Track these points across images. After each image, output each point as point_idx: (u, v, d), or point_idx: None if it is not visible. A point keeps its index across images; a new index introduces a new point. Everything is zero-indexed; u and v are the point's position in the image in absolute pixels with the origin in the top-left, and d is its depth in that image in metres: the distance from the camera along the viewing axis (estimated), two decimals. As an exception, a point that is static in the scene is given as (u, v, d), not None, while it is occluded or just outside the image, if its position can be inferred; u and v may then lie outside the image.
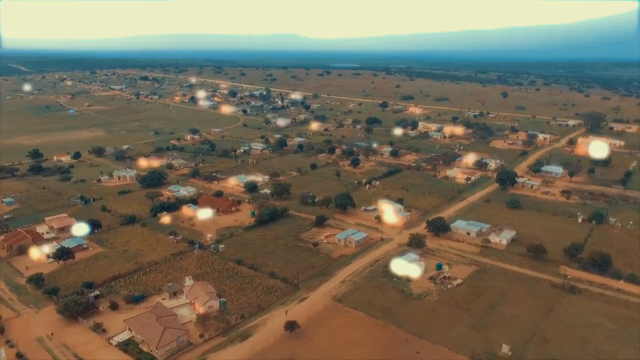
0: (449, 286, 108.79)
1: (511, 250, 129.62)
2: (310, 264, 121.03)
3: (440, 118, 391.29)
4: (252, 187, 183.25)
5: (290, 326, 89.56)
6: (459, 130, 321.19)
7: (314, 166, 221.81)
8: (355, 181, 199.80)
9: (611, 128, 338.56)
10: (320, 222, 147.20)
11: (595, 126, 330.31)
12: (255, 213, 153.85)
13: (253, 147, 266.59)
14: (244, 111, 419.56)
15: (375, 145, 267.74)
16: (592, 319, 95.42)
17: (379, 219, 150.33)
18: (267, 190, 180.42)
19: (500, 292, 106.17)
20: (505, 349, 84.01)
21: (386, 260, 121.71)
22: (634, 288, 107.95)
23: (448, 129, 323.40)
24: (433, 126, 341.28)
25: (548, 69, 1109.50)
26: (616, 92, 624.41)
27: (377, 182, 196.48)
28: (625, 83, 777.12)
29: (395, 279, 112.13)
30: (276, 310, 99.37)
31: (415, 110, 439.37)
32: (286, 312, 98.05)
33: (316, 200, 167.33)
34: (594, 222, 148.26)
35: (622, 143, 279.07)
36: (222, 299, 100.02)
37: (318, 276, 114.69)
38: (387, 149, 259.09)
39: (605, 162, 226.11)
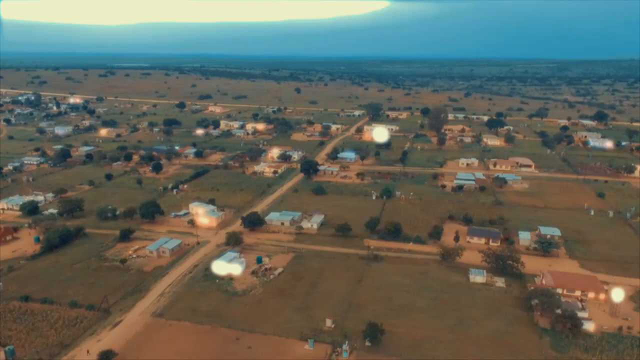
0: (272, 277, 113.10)
1: (322, 233, 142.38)
2: (120, 283, 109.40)
3: (241, 116, 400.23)
4: (31, 209, 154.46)
5: (105, 356, 79.49)
6: (261, 126, 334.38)
7: (109, 177, 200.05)
8: (161, 187, 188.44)
9: (388, 116, 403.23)
10: (126, 236, 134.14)
11: (375, 115, 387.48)
12: (41, 238, 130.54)
13: (26, 162, 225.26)
14: (7, 121, 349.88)
15: (177, 147, 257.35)
16: (393, 280, 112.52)
17: (192, 222, 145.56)
18: (53, 210, 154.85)
19: (318, 272, 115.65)
20: (328, 322, 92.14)
21: (206, 264, 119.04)
22: (420, 247, 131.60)
23: (250, 126, 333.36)
24: (235, 124, 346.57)
25: (332, 66, 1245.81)
26: (387, 84, 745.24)
27: (185, 186, 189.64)
28: (394, 77, 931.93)
29: (217, 280, 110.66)
30: (85, 343, 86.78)
31: (215, 109, 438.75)
32: (98, 340, 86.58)
33: (117, 213, 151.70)
34: (384, 197, 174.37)
35: (397, 128, 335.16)
36: (7, 348, 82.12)
37: (131, 295, 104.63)
38: (190, 151, 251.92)
39: (386, 145, 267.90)
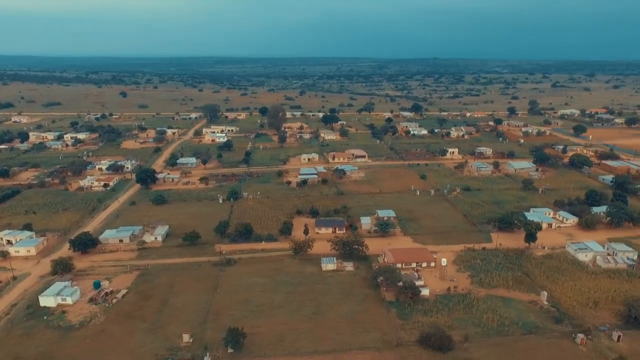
0: (114, 301, 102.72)
1: (168, 245, 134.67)
2: None
3: (56, 125, 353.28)
4: None
5: None
6: (83, 135, 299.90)
7: None
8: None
9: (226, 117, 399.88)
10: None
11: (213, 116, 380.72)
12: None
13: None
14: None
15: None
16: (249, 281, 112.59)
17: (4, 255, 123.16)
18: None
19: (168, 287, 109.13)
20: (185, 337, 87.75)
21: (28, 300, 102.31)
22: (272, 245, 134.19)
23: (70, 136, 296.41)
24: (50, 135, 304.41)
25: (161, 68, 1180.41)
26: (222, 85, 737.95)
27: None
28: (228, 77, 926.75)
29: (46, 316, 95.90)
30: None
31: (20, 119, 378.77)
32: None
33: None
34: (232, 199, 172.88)
35: (237, 128, 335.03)
36: None
37: None
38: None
39: (228, 147, 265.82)
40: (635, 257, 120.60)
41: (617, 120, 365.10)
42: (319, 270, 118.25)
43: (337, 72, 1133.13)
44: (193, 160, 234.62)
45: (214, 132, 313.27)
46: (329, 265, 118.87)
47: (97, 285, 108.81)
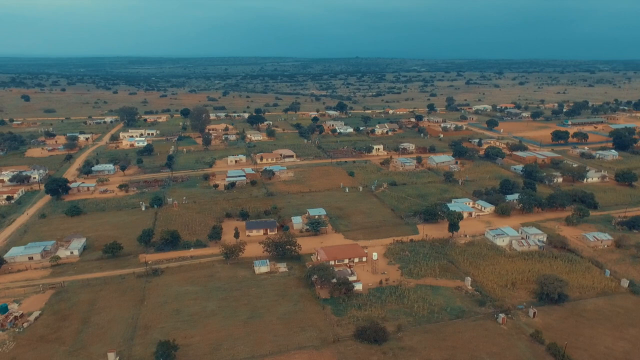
0: (25, 324, 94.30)
1: (87, 259, 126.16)
2: None
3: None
4: None
5: None
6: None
7: None
8: None
9: (145, 120, 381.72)
10: None
11: (131, 120, 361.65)
12: None
13: None
14: None
15: None
16: (179, 290, 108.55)
17: None
18: None
19: (89, 304, 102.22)
20: (111, 357, 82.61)
21: None
22: (202, 251, 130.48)
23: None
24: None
25: (68, 69, 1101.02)
26: (139, 87, 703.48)
27: None
28: (146, 79, 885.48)
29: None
30: None
31: None
32: None
33: None
34: (155, 206, 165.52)
35: (158, 132, 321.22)
36: None
37: None
38: None
39: (149, 151, 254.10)
40: (545, 239, 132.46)
41: (524, 114, 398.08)
42: (252, 273, 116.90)
43: (261, 72, 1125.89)
44: (110, 166, 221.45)
45: (132, 137, 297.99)
46: (262, 268, 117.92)
47: (3, 309, 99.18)
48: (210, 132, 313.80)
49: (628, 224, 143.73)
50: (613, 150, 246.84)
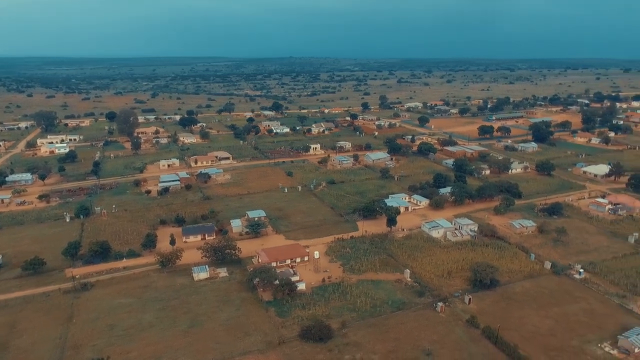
0: None
1: (4, 277, 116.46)
2: None
3: None
4: None
5: None
6: None
7: None
8: None
9: (66, 125, 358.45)
10: None
11: (50, 125, 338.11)
12: None
13: None
14: None
15: None
16: (111, 304, 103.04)
17: None
18: None
19: (8, 328, 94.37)
20: (38, 381, 76.97)
21: None
22: (135, 261, 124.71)
23: None
24: None
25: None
26: (58, 89, 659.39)
27: None
28: (65, 80, 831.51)
29: None
30: None
31: None
32: None
33: None
34: (82, 216, 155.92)
35: (81, 137, 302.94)
36: None
37: None
38: None
39: (71, 158, 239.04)
40: (476, 229, 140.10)
41: (452, 111, 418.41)
42: (191, 280, 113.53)
43: (192, 72, 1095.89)
44: (28, 176, 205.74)
45: (52, 143, 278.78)
46: (201, 274, 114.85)
47: None
48: (140, 135, 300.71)
49: (548, 210, 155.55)
50: (533, 143, 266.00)
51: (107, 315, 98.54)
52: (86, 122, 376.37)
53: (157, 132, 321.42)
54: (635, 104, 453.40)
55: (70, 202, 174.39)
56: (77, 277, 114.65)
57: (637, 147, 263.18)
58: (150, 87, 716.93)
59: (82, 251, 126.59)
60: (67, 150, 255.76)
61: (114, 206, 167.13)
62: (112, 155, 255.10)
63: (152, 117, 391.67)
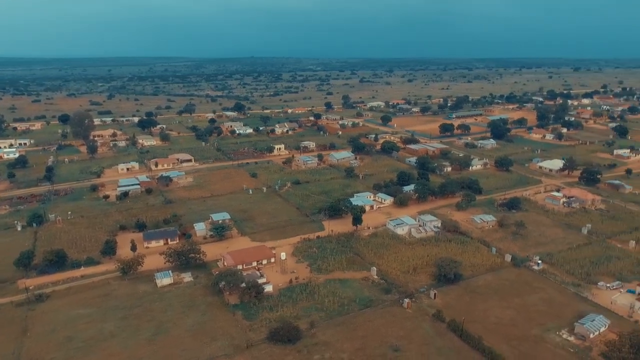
0: None
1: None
2: None
3: None
4: None
5: None
6: None
7: None
8: None
9: (15, 128, 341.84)
10: None
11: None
12: None
13: None
14: None
15: None
16: (69, 315, 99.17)
17: None
18: None
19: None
20: (-9, 399, 73.19)
21: None
22: (94, 269, 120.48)
23: None
24: None
25: None
26: (5, 91, 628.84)
27: None
28: (13, 82, 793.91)
29: None
30: None
31: None
32: None
33: None
34: (35, 225, 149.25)
35: (32, 141, 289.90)
36: None
37: None
38: None
39: (22, 163, 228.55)
40: (440, 225, 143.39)
41: (414, 110, 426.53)
42: (154, 287, 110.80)
43: (151, 73, 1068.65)
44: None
45: None
46: (164, 280, 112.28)
47: None
48: (96, 139, 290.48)
49: (507, 205, 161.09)
50: (492, 140, 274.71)
51: (64, 327, 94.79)
52: (37, 126, 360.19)
53: (114, 134, 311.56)
54: (585, 101, 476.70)
55: (22, 209, 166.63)
56: (30, 288, 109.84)
57: (587, 143, 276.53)
58: (106, 89, 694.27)
59: (35, 261, 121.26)
60: (17, 155, 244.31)
61: (69, 213, 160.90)
62: (66, 159, 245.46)
63: (109, 120, 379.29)
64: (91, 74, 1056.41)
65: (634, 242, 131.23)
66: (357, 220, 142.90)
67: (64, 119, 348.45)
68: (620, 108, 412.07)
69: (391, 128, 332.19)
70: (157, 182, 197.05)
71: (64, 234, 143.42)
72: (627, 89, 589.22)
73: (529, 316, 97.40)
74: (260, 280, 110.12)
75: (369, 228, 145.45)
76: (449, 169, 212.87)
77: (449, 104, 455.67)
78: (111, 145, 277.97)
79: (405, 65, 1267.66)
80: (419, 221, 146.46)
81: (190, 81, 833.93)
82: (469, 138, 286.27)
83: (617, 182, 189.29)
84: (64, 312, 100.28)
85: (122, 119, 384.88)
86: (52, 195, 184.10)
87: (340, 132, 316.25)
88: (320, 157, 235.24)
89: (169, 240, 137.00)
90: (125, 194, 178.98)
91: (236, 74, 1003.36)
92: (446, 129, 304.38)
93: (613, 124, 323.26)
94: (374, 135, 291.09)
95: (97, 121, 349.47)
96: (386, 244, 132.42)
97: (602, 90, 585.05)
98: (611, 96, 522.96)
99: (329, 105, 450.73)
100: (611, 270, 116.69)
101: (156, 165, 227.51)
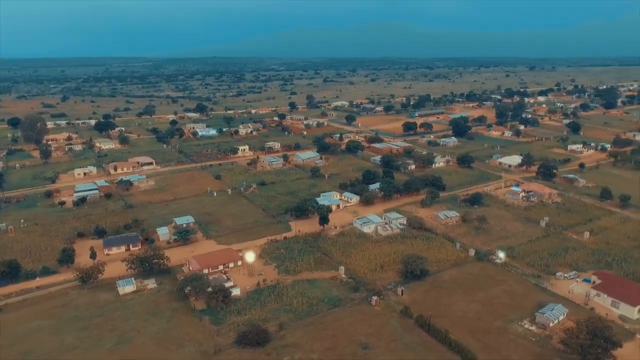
0: None
1: None
2: None
3: None
4: None
5: None
6: None
7: None
8: None
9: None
10: None
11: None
12: None
13: None
14: None
15: None
16: (26, 328, 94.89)
17: None
18: None
19: None
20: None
21: None
22: (51, 279, 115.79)
23: None
24: None
25: None
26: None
27: None
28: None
29: None
30: None
31: None
32: None
33: None
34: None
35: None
36: None
37: None
38: None
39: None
40: (405, 222, 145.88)
41: (377, 109, 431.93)
42: (116, 295, 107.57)
43: (107, 74, 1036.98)
44: None
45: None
46: (127, 288, 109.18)
47: None
48: (50, 143, 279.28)
49: (470, 200, 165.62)
50: (453, 137, 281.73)
51: (20, 341, 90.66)
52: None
53: (69, 138, 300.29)
54: (540, 98, 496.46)
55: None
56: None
57: (543, 139, 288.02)
58: (60, 90, 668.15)
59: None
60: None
61: (22, 221, 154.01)
62: (17, 165, 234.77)
63: (63, 123, 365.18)
64: (43, 75, 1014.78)
65: (588, 233, 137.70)
66: (323, 220, 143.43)
67: (14, 123, 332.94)
68: (573, 105, 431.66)
69: (356, 127, 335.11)
70: (117, 187, 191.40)
71: (16, 243, 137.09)
72: (579, 86, 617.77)
73: (493, 308, 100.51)
74: (227, 284, 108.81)
75: (336, 227, 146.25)
76: (413, 166, 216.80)
77: (411, 103, 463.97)
78: (66, 149, 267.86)
79: (369, 65, 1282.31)
80: (385, 219, 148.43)
81: (149, 82, 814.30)
82: (432, 136, 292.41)
83: (571, 176, 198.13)
84: (20, 325, 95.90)
85: (77, 121, 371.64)
86: (3, 203, 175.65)
87: (305, 132, 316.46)
88: (285, 157, 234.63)
89: (130, 246, 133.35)
90: (82, 200, 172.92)
91: (197, 74, 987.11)
92: (409, 128, 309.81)
93: (567, 121, 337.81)
94: (338, 135, 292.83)
95: (50, 124, 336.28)
96: (353, 243, 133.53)
97: (556, 88, 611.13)
98: (564, 94, 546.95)
99: (293, 105, 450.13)
100: (568, 261, 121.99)
101: (115, 169, 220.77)
